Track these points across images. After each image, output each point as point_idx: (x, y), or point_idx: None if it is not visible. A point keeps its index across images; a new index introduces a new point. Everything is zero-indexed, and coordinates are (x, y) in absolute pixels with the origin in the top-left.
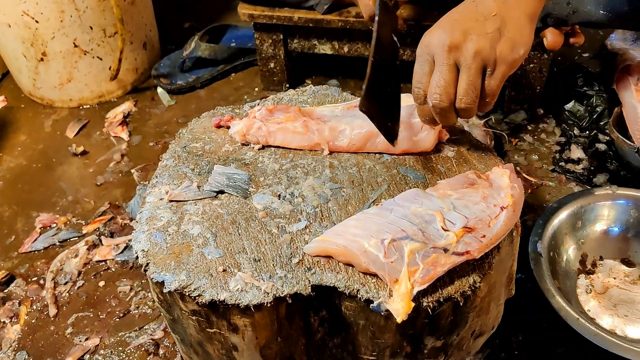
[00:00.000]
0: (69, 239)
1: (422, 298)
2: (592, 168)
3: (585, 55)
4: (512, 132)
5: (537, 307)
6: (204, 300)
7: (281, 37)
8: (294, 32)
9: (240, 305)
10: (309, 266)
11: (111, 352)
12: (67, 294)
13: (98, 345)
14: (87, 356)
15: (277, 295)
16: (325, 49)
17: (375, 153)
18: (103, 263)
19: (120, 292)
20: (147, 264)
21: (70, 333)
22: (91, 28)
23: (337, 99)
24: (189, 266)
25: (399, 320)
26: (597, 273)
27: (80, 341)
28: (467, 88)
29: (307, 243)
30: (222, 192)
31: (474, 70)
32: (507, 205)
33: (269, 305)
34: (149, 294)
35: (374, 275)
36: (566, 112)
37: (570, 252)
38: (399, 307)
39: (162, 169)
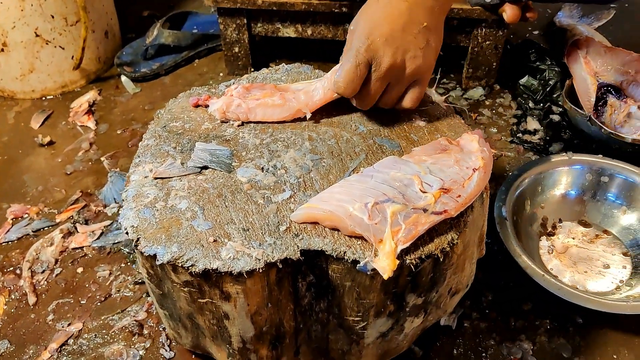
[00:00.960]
0: (43, 228)
1: (405, 256)
2: (547, 138)
3: (536, 32)
4: (471, 108)
5: (504, 268)
6: (197, 270)
7: (245, 21)
8: (257, 16)
9: (233, 272)
10: (296, 232)
11: (95, 335)
12: (45, 281)
13: (81, 329)
14: (71, 340)
15: (268, 261)
16: (289, 32)
17: (352, 125)
18: (79, 250)
19: (99, 277)
20: (138, 239)
21: (52, 319)
22: (52, 17)
23: (310, 76)
24: (179, 239)
25: (385, 277)
26: (557, 234)
27: (62, 327)
28: (394, 99)
29: (293, 211)
30: (205, 167)
31: (403, 87)
32: (479, 167)
33: (260, 271)
34: (129, 277)
35: (359, 237)
36: (521, 87)
37: (532, 216)
38: (385, 265)
39: (144, 148)
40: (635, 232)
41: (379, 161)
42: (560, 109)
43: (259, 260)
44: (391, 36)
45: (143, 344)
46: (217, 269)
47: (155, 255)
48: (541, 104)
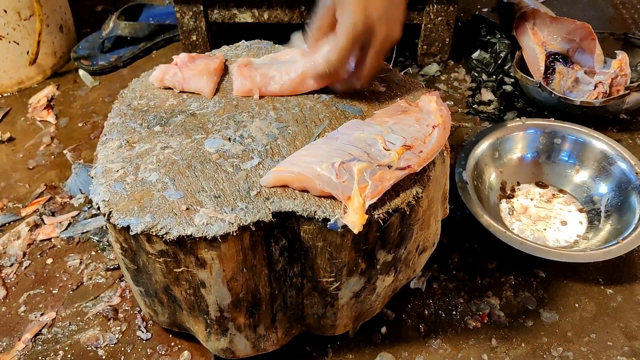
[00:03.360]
0: (8, 222)
1: (373, 211)
2: (501, 107)
3: (485, 10)
4: (427, 84)
5: (468, 232)
6: (172, 237)
7: (201, 8)
8: (213, 2)
9: (207, 237)
10: (267, 196)
11: (69, 322)
12: (15, 274)
13: (55, 318)
14: (45, 330)
15: (241, 224)
16: (245, 17)
17: (314, 94)
18: (48, 241)
19: (70, 266)
20: (110, 212)
21: (24, 311)
22: (5, 11)
23: (270, 51)
24: (152, 209)
25: (355, 231)
26: (516, 197)
27: (35, 317)
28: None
29: (263, 177)
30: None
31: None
32: (438, 124)
33: (234, 234)
34: (100, 264)
35: (329, 197)
36: (474, 61)
37: (491, 180)
38: (355, 220)
39: (110, 126)
40: (588, 189)
41: (342, 124)
42: (512, 80)
43: (232, 224)
44: (384, 9)
45: (119, 328)
46: (191, 235)
47: (128, 227)
48: (494, 76)
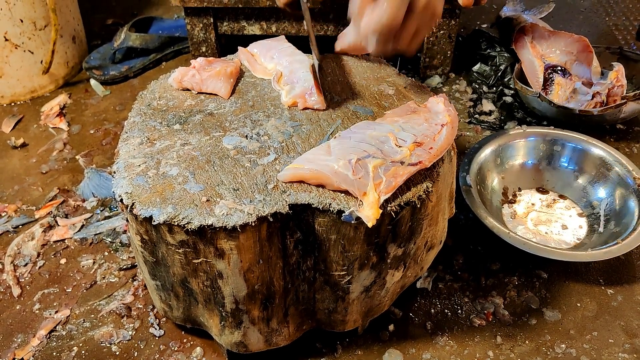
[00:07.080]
0: (22, 224)
1: (385, 204)
2: (502, 117)
3: (484, 26)
4: None
5: (472, 234)
6: (193, 227)
7: (211, 20)
8: (223, 15)
9: (227, 227)
10: (283, 190)
11: (83, 320)
12: (29, 274)
13: (69, 316)
14: (59, 327)
15: (259, 215)
16: (254, 29)
17: (326, 96)
18: (61, 242)
19: (83, 266)
20: (133, 204)
21: (39, 309)
22: (21, 21)
23: None
24: (173, 200)
25: (370, 224)
26: (518, 202)
27: (50, 314)
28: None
29: (279, 172)
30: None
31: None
32: (447, 123)
33: (253, 224)
34: (114, 264)
35: (343, 191)
36: (474, 73)
37: (493, 185)
38: (369, 214)
39: (131, 125)
40: (587, 195)
41: (354, 124)
42: (512, 91)
43: (251, 214)
44: None
45: (132, 325)
46: (212, 225)
47: (151, 217)
48: (494, 88)
